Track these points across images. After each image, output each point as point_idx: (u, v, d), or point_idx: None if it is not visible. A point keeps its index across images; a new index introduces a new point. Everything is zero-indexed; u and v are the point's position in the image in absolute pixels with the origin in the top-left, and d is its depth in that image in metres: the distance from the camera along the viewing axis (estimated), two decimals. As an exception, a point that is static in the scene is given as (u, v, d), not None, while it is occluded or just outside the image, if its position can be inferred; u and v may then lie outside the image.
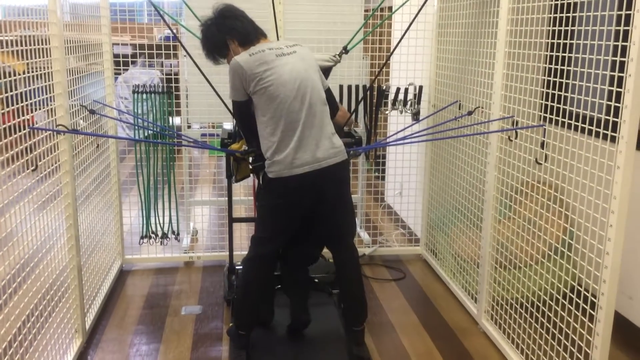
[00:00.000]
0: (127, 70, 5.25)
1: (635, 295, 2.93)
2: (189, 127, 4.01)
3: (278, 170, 2.45)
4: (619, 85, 1.98)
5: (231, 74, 2.45)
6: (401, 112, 3.76)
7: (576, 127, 2.29)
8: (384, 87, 3.73)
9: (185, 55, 3.43)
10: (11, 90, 2.13)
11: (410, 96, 3.74)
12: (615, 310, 2.11)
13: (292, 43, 2.58)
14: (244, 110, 2.54)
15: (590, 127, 2.18)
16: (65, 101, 2.62)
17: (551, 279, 2.61)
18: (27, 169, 2.24)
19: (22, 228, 2.25)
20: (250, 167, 2.75)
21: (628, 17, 1.93)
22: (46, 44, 2.48)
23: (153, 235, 3.85)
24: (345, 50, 3.08)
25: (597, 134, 2.14)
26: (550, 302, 2.53)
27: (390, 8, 3.94)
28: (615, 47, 2.04)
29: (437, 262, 3.86)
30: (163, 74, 4.01)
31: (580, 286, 2.31)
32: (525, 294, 2.78)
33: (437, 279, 3.76)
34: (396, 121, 3.97)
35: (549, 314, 2.53)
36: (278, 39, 3.32)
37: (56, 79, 2.57)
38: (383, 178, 4.89)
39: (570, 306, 2.37)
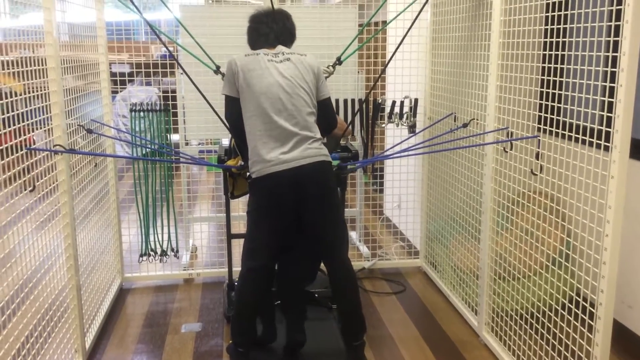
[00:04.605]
0: (125, 88, 5.28)
1: (635, 304, 2.93)
2: (187, 143, 4.02)
3: (258, 170, 2.52)
4: (611, 95, 1.99)
5: (226, 68, 2.61)
6: (397, 125, 3.78)
7: (570, 137, 2.30)
8: (380, 100, 3.75)
9: (181, 73, 3.45)
10: (10, 111, 2.15)
11: (406, 109, 3.76)
12: (615, 319, 2.11)
13: (292, 51, 2.66)
14: (234, 109, 2.61)
15: (584, 137, 2.20)
16: (62, 121, 2.64)
17: (549, 289, 2.61)
18: (25, 189, 2.25)
19: (20, 248, 2.25)
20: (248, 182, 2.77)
21: (618, 27, 1.95)
22: (43, 65, 2.50)
23: (152, 253, 3.85)
24: (339, 61, 3.11)
25: (591, 144, 2.16)
26: (550, 313, 2.52)
27: (384, 22, 3.98)
28: (607, 57, 2.06)
29: (436, 275, 3.86)
30: (161, 92, 4.04)
31: (579, 296, 2.31)
32: (524, 305, 2.78)
33: (437, 292, 3.75)
34: (393, 134, 3.98)
35: (549, 324, 2.53)
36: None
37: (53, 99, 2.59)
38: (381, 191, 4.90)
39: (569, 317, 2.37)
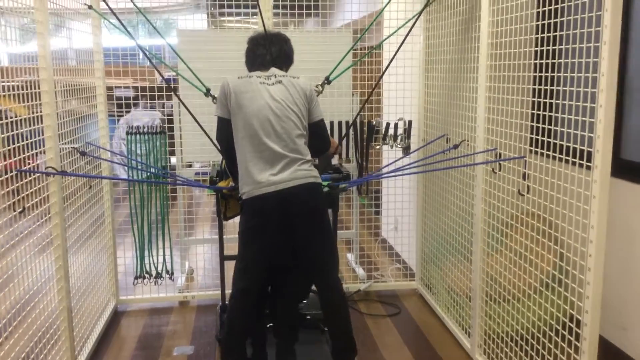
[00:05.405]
0: (129, 112, 5.33)
1: (629, 327, 2.89)
2: (189, 165, 4.04)
3: (249, 191, 2.54)
4: (592, 116, 2.00)
5: (219, 90, 2.64)
6: (392, 147, 3.79)
7: (555, 158, 2.30)
8: (374, 122, 3.77)
9: (179, 103, 3.48)
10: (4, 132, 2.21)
11: (400, 131, 3.77)
12: (609, 342, 2.09)
13: (284, 74, 2.69)
14: (226, 130, 2.64)
15: (567, 158, 2.20)
16: (55, 144, 2.67)
17: (538, 312, 2.59)
18: (14, 211, 2.27)
19: (9, 270, 2.26)
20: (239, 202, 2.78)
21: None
22: (38, 88, 2.55)
23: (147, 275, 3.85)
24: (328, 80, 3.15)
25: (574, 164, 2.16)
26: (539, 335, 2.50)
27: (378, 46, 4.02)
28: (592, 78, 2.07)
29: (432, 297, 3.83)
30: (162, 115, 4.08)
31: (567, 318, 2.28)
32: (516, 327, 2.75)
33: (432, 314, 3.72)
34: (387, 156, 3.99)
35: (538, 346, 2.50)
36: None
37: (46, 122, 2.63)
38: (378, 213, 4.89)
39: (556, 339, 2.34)
